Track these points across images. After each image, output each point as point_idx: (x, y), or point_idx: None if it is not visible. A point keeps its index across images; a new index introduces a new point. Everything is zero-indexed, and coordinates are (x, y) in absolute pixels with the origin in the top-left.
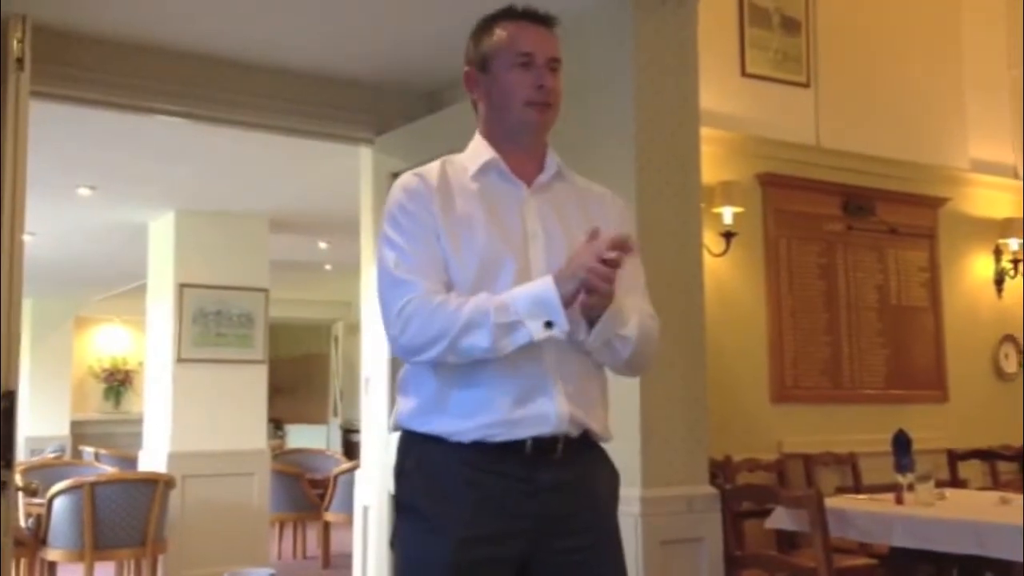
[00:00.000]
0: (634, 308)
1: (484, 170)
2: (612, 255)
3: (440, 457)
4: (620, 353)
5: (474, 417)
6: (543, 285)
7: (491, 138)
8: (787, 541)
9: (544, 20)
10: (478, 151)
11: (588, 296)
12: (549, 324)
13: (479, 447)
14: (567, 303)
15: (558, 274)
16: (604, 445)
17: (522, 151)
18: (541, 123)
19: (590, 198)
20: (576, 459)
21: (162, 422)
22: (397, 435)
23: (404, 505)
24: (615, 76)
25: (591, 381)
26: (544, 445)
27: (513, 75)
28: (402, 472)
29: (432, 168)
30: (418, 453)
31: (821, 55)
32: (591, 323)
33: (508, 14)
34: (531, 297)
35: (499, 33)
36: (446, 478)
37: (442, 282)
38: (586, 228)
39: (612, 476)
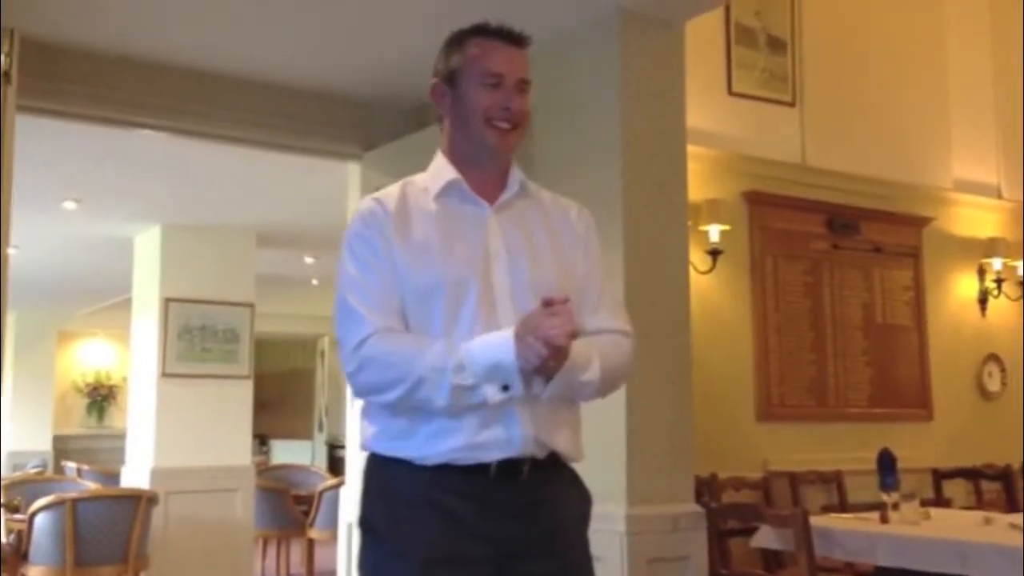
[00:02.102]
0: (595, 340)
1: (446, 191)
2: (569, 331)
3: (405, 480)
4: (583, 393)
5: (439, 443)
6: (502, 349)
7: (453, 155)
8: (772, 560)
9: (517, 40)
10: (440, 171)
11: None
12: (505, 387)
13: (444, 470)
14: (525, 373)
15: (518, 334)
16: (577, 465)
17: (485, 170)
18: (505, 146)
19: (555, 213)
20: (543, 482)
21: (146, 437)
22: (364, 456)
23: (368, 527)
24: (602, 94)
25: (558, 402)
26: (509, 467)
27: (481, 94)
28: (367, 494)
29: (391, 192)
30: (383, 475)
31: (807, 74)
32: (547, 378)
33: (481, 31)
34: (490, 361)
35: (471, 50)
36: (410, 500)
37: (397, 313)
38: (551, 244)
39: (581, 498)
